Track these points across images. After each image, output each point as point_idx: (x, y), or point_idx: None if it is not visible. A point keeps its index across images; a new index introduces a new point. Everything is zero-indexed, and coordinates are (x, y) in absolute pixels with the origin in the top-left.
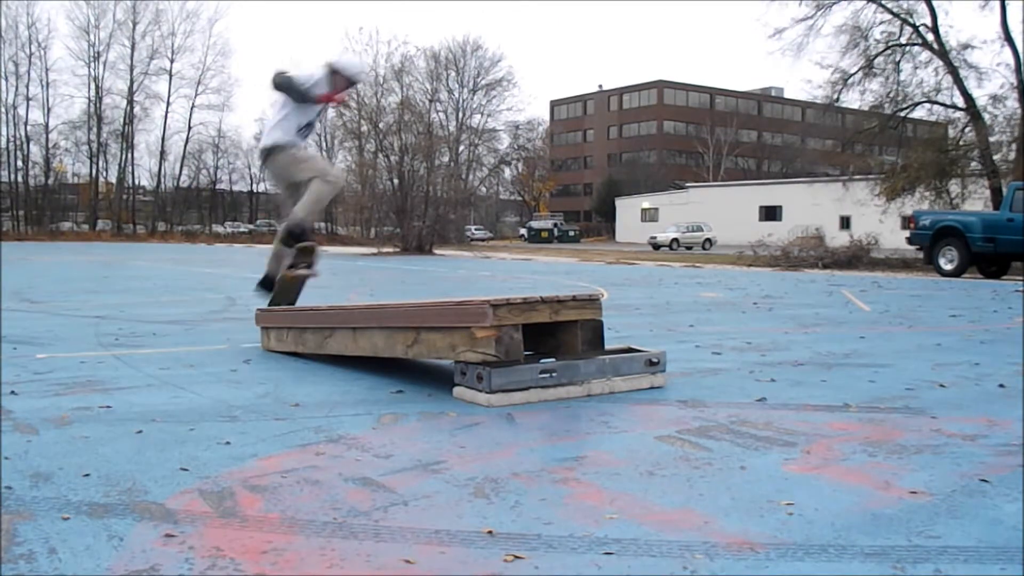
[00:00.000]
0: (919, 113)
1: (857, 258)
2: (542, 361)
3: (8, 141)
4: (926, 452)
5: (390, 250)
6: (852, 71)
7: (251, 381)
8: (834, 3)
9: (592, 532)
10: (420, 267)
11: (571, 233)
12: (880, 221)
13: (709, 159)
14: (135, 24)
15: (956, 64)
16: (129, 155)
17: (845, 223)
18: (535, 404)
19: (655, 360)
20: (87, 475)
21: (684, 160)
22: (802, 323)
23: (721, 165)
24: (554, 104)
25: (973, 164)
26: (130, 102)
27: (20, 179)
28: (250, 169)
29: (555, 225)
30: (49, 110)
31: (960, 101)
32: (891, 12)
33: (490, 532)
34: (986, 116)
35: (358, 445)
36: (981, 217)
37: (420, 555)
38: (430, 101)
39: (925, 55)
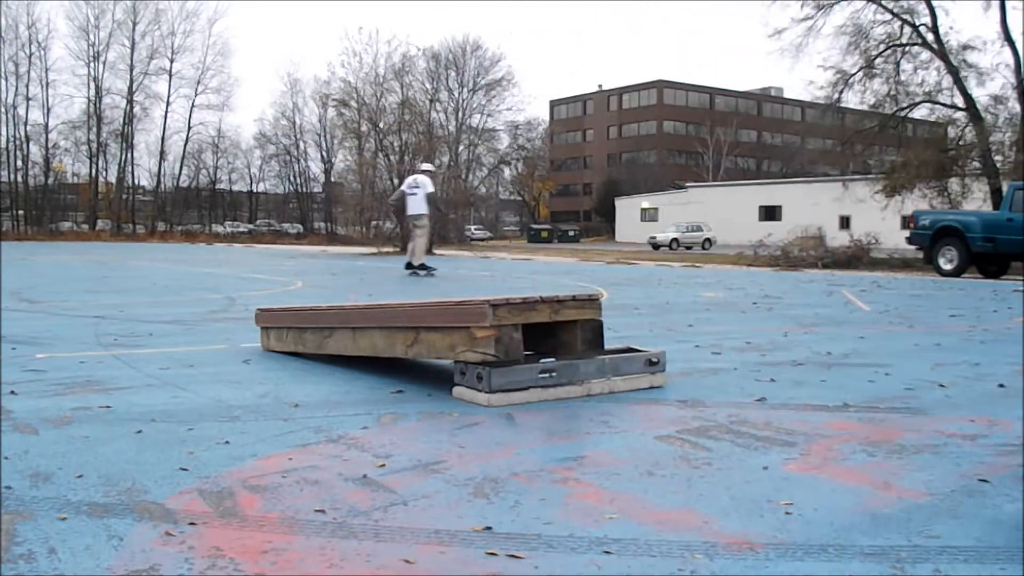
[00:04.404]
0: (919, 113)
1: (857, 258)
2: (542, 361)
3: (8, 141)
4: (926, 452)
5: (390, 250)
6: (852, 71)
7: (251, 381)
8: (834, 3)
9: (592, 532)
10: None
11: (571, 233)
12: (882, 219)
13: (709, 159)
14: (135, 24)
15: (956, 64)
16: (129, 155)
17: (845, 223)
18: (535, 404)
19: (655, 360)
20: (87, 475)
21: (684, 160)
22: (802, 323)
23: (721, 165)
24: (554, 104)
25: (974, 164)
26: (130, 102)
27: (20, 179)
28: (249, 169)
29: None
30: (49, 110)
31: (960, 101)
32: (891, 12)
33: (490, 531)
34: (987, 116)
35: (358, 445)
36: (981, 217)
37: (420, 555)
38: (430, 101)
39: (925, 55)
